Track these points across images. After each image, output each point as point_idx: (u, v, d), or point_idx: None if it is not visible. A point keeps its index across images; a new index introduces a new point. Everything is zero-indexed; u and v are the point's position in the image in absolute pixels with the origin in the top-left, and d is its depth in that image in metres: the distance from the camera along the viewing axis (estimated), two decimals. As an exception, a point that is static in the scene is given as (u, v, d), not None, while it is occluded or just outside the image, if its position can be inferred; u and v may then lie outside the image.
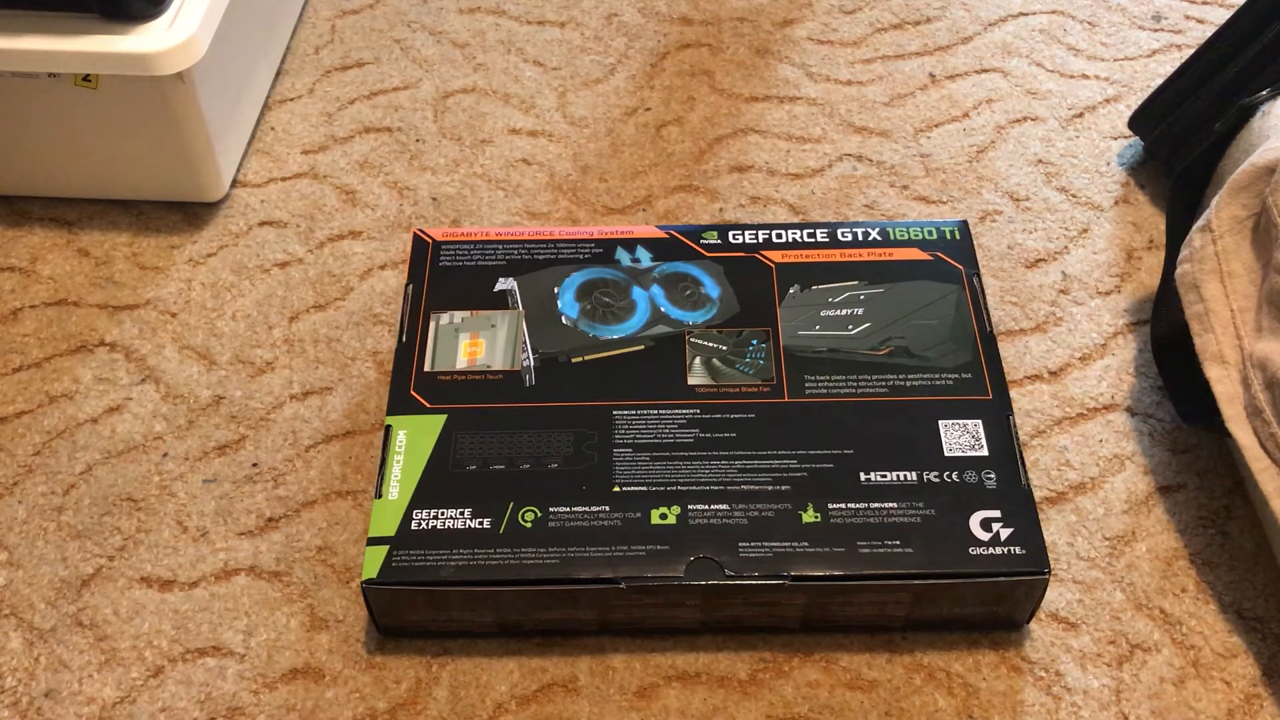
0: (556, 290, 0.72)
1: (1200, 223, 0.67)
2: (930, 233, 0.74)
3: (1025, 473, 0.63)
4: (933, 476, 0.63)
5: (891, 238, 0.74)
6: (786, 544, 0.61)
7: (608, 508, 0.62)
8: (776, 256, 0.73)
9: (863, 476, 0.63)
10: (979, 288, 0.71)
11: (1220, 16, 0.95)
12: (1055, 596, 0.65)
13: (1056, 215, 0.83)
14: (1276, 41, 0.77)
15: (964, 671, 0.63)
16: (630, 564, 0.60)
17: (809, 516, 0.62)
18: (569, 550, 0.61)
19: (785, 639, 0.64)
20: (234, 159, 0.85)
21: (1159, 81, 0.87)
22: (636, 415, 0.66)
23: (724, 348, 0.69)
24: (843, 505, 0.62)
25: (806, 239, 0.74)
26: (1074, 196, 0.84)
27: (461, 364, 0.68)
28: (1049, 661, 0.63)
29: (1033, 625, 0.64)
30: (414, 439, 0.65)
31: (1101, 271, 0.80)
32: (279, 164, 0.87)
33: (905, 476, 0.63)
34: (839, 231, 0.74)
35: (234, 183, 0.85)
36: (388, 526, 0.62)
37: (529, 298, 0.71)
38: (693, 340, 0.69)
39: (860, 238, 0.74)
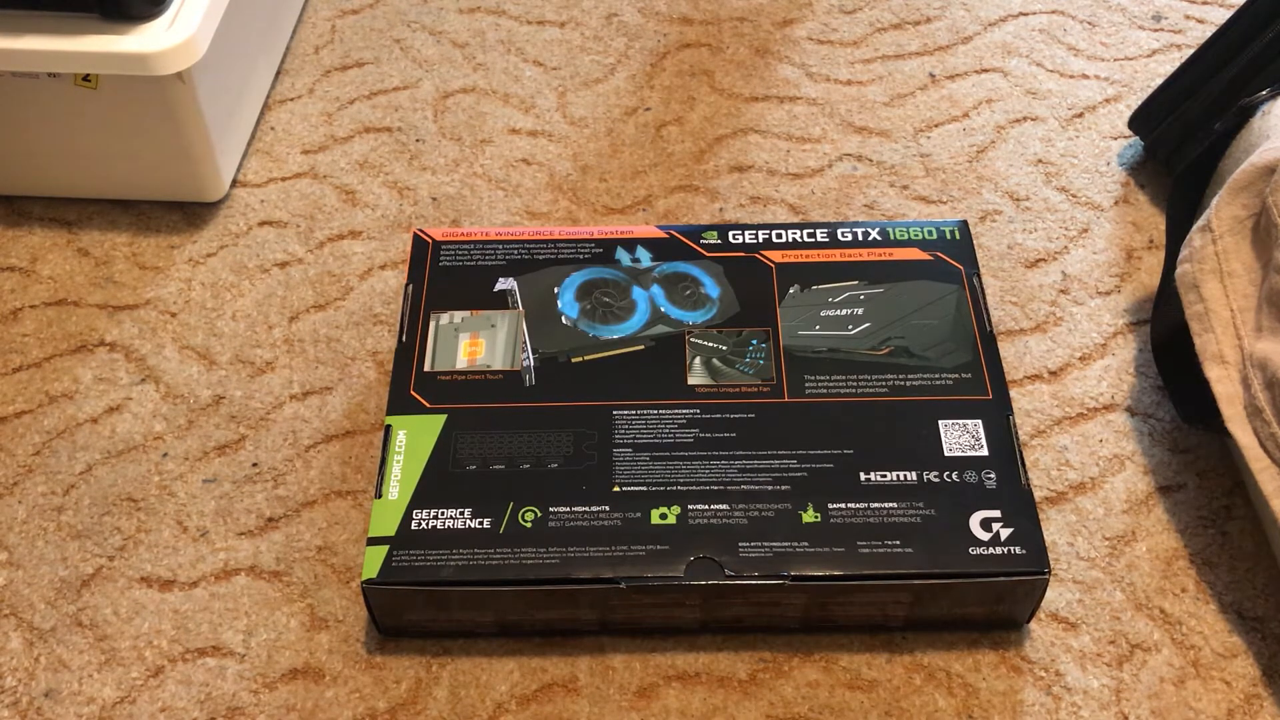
0: (556, 290, 0.72)
1: (1200, 223, 0.67)
2: (930, 233, 0.74)
3: (1025, 473, 0.63)
4: (933, 476, 0.63)
5: (891, 238, 0.74)
6: (786, 544, 0.61)
7: (608, 508, 0.62)
8: (776, 256, 0.73)
9: (863, 476, 0.63)
10: (979, 288, 0.71)
11: (1220, 16, 0.95)
12: (1055, 596, 0.65)
13: (1056, 215, 0.83)
14: (1276, 41, 0.77)
15: (964, 671, 0.63)
16: (630, 564, 0.61)
17: (809, 516, 0.62)
18: (569, 550, 0.61)
19: (785, 639, 0.64)
20: (234, 159, 0.85)
21: (1159, 81, 0.87)
22: (636, 415, 0.66)
23: (724, 348, 0.69)
24: (843, 505, 0.62)
25: (806, 239, 0.74)
26: (1074, 196, 0.84)
27: (461, 364, 0.68)
28: (1049, 661, 0.63)
29: (1033, 625, 0.64)
30: (414, 439, 0.65)
31: (1101, 271, 0.80)
32: (279, 164, 0.87)
33: (905, 476, 0.63)
34: (839, 231, 0.74)
35: (234, 183, 0.86)
36: (388, 526, 0.62)
37: (529, 298, 0.71)
38: (693, 340, 0.69)
39: (860, 238, 0.74)
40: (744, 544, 0.61)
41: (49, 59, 0.73)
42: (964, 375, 0.67)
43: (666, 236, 0.74)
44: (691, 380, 0.67)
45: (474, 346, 0.69)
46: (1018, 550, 0.61)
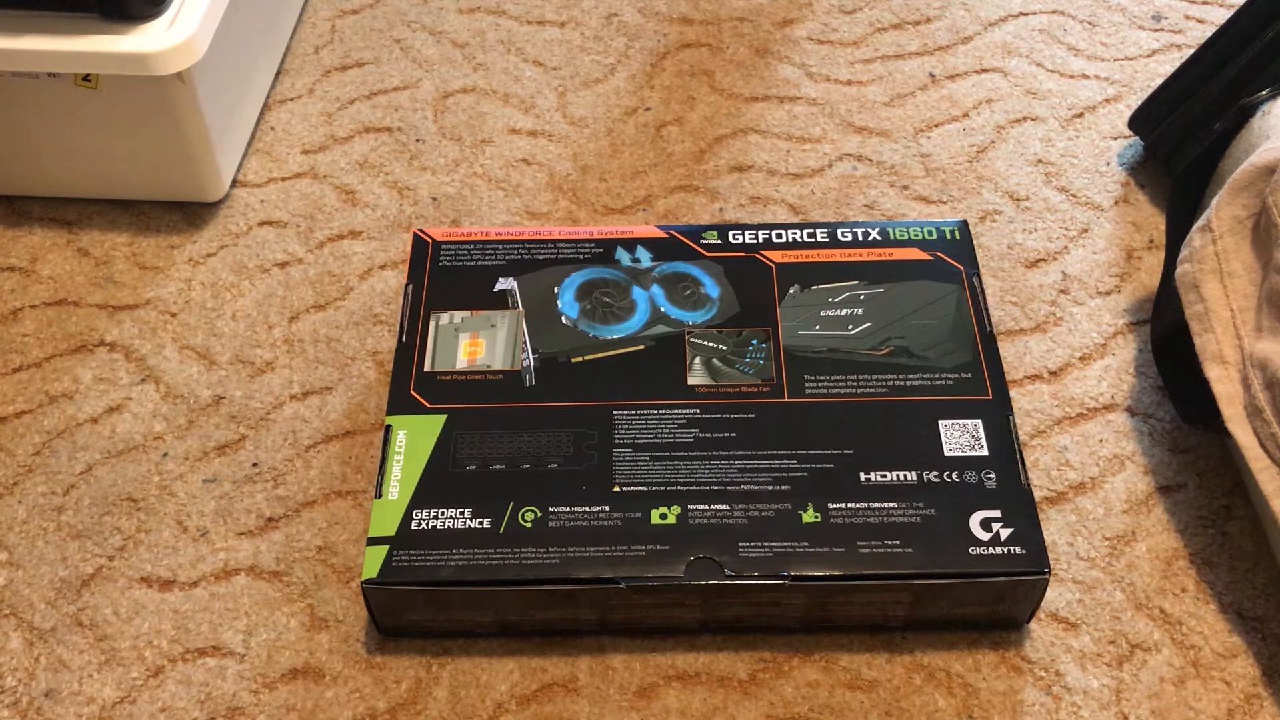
0: (556, 290, 0.72)
1: (1200, 223, 0.67)
2: (930, 233, 0.74)
3: (1025, 473, 0.63)
4: (933, 476, 0.63)
5: (891, 238, 0.74)
6: (786, 544, 0.61)
7: (608, 508, 0.62)
8: (776, 256, 0.73)
9: (863, 476, 0.63)
10: (979, 288, 0.71)
11: (1220, 16, 0.95)
12: (1055, 596, 0.65)
13: (1056, 215, 0.83)
14: (1276, 41, 0.77)
15: (964, 671, 0.63)
16: (630, 564, 0.61)
17: (809, 516, 0.62)
18: (569, 550, 0.61)
19: (785, 639, 0.64)
20: (234, 159, 0.85)
21: (1159, 81, 0.87)
22: (636, 415, 0.66)
23: (724, 348, 0.69)
24: (843, 505, 0.62)
25: (806, 239, 0.74)
26: (1074, 196, 0.84)
27: (461, 364, 0.68)
28: (1049, 661, 0.63)
29: (1033, 625, 0.64)
30: (414, 439, 0.65)
31: (1101, 271, 0.80)
32: (279, 164, 0.87)
33: (905, 476, 0.63)
34: (839, 231, 0.74)
35: (234, 183, 0.86)
36: (388, 526, 0.62)
37: (529, 298, 0.71)
38: (693, 340, 0.69)
39: (860, 238, 0.74)
40: (744, 544, 0.61)
41: (49, 59, 0.73)
42: (964, 375, 0.67)
43: (666, 236, 0.74)
44: (691, 380, 0.67)
45: (474, 346, 0.69)
46: (1018, 550, 0.61)
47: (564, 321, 0.70)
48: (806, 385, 0.67)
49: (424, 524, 0.62)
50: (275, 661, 0.64)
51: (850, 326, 0.70)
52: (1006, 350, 0.76)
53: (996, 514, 0.62)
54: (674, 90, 0.92)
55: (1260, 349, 0.62)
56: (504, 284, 0.72)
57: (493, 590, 0.60)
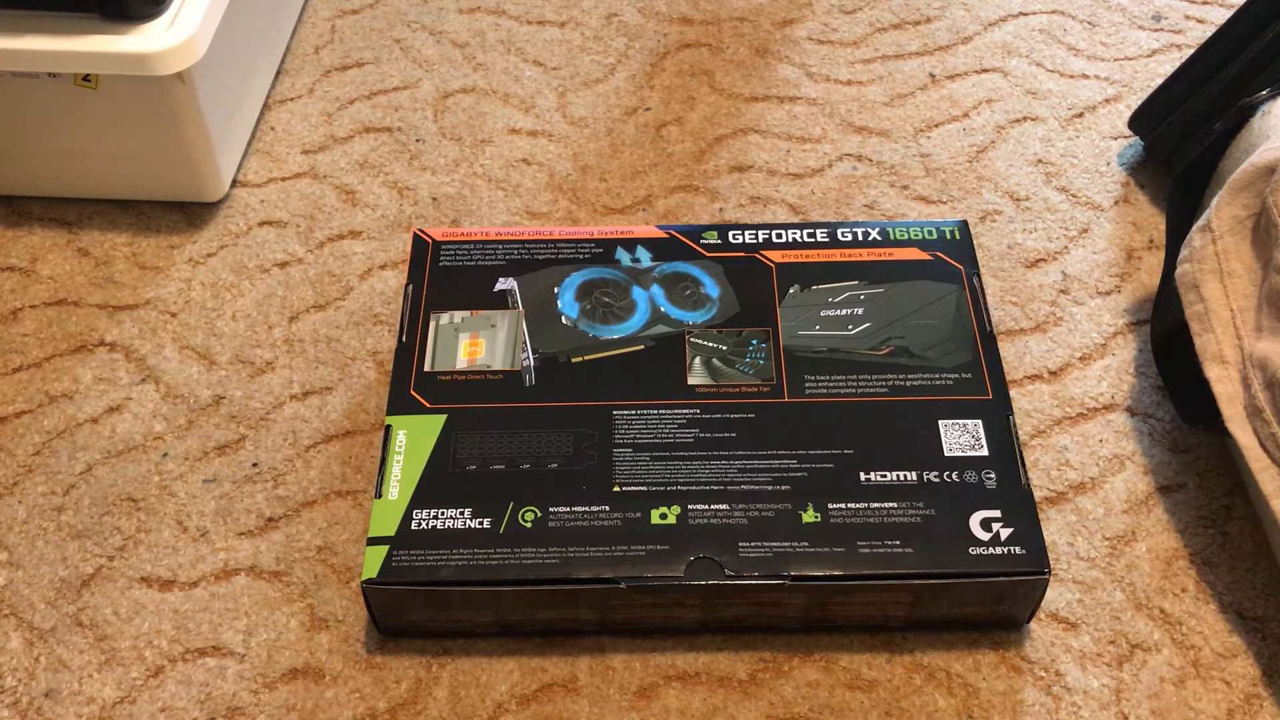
0: (556, 290, 0.72)
1: (1200, 223, 0.67)
2: (930, 233, 0.74)
3: (1025, 473, 0.63)
4: (933, 476, 0.63)
5: (891, 238, 0.74)
6: (786, 544, 0.61)
7: (608, 508, 0.62)
8: (776, 256, 0.73)
9: (863, 476, 0.63)
10: (979, 288, 0.71)
11: (1220, 16, 0.95)
12: (1055, 596, 0.65)
13: (1056, 215, 0.83)
14: (1276, 41, 0.77)
15: (964, 671, 0.63)
16: (630, 564, 0.61)
17: (809, 516, 0.62)
18: (569, 550, 0.61)
19: (785, 639, 0.64)
20: (234, 159, 0.85)
21: (1159, 81, 0.87)
22: (636, 415, 0.66)
23: (724, 348, 0.69)
24: (843, 505, 0.62)
25: (806, 239, 0.74)
26: (1074, 196, 0.84)
27: (461, 364, 0.68)
28: (1049, 661, 0.63)
29: (1033, 625, 0.64)
30: (414, 439, 0.65)
31: (1101, 271, 0.80)
32: (279, 164, 0.87)
33: (905, 476, 0.63)
34: (839, 231, 0.74)
35: (234, 183, 0.86)
36: (388, 526, 0.62)
37: (529, 298, 0.71)
38: (693, 340, 0.69)
39: (860, 238, 0.74)
40: (744, 544, 0.61)
41: (49, 59, 0.73)
42: (964, 375, 0.67)
43: (666, 236, 0.74)
44: (691, 380, 0.67)
45: (474, 346, 0.69)
46: (1018, 550, 0.61)
47: (564, 321, 0.70)
48: (806, 385, 0.67)
49: (424, 524, 0.62)
50: (275, 661, 0.64)
51: (850, 326, 0.70)
52: (1006, 350, 0.76)
53: (996, 514, 0.62)
54: (674, 90, 0.92)
55: (1260, 349, 0.62)
56: (504, 284, 0.72)
57: (493, 590, 0.60)
